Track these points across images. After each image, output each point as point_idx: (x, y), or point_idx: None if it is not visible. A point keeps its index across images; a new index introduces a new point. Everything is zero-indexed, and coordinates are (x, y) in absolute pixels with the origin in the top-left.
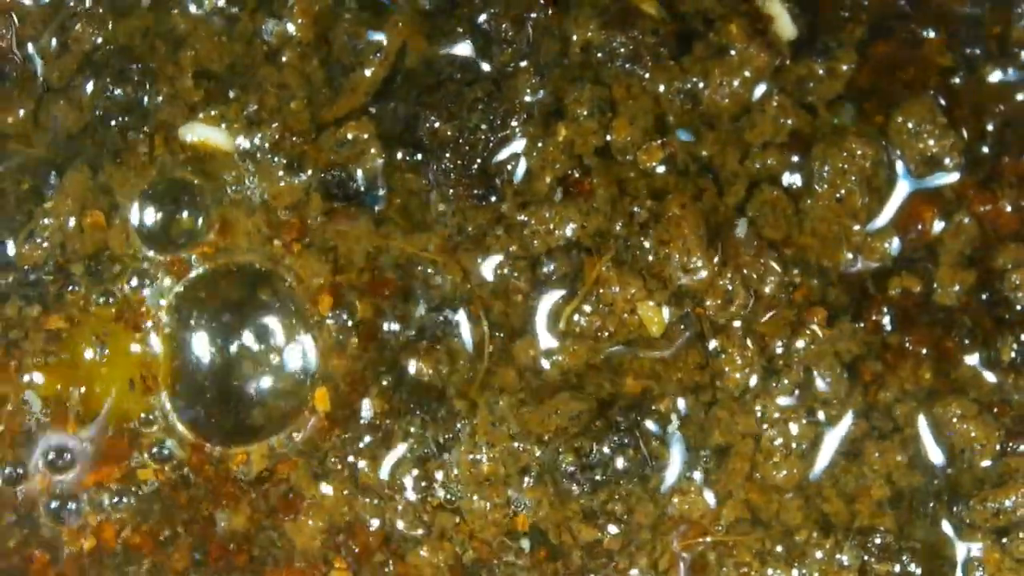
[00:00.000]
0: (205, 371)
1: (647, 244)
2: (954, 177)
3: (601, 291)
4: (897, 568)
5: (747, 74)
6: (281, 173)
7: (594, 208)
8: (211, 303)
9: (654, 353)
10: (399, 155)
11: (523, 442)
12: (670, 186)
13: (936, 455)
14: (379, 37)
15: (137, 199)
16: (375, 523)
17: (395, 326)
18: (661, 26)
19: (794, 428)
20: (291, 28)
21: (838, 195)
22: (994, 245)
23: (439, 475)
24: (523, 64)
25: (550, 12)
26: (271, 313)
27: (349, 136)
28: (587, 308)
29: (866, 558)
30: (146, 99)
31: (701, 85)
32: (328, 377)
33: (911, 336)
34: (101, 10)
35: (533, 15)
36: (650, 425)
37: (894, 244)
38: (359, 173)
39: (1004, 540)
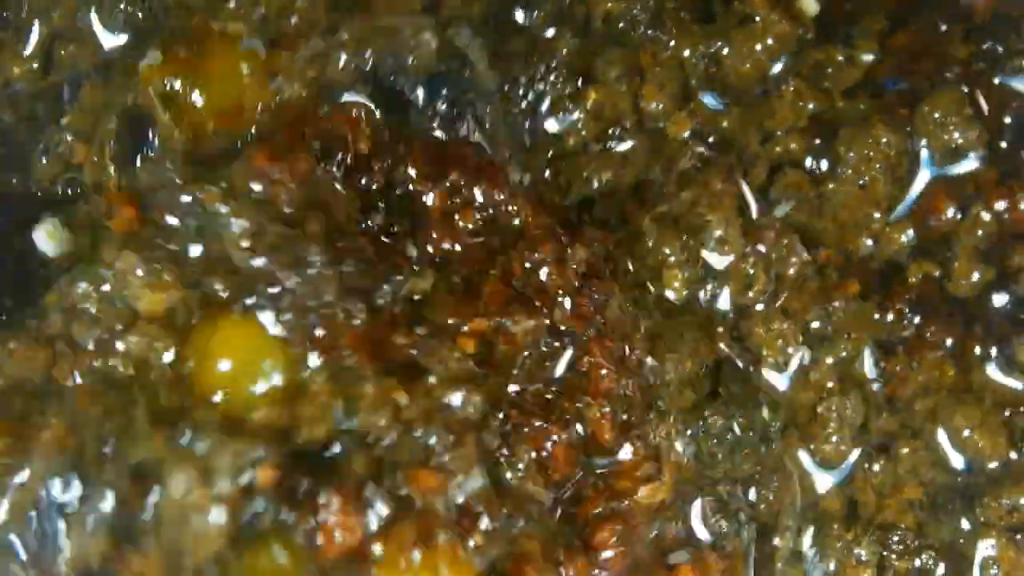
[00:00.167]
0: None
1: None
2: (975, 166)
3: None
4: (917, 564)
5: (770, 42)
6: None
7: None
8: None
9: None
10: None
11: None
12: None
13: (954, 455)
14: None
15: None
16: None
17: None
18: None
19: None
20: None
21: (861, 182)
22: (1011, 243)
23: None
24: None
25: None
26: None
27: None
28: None
29: (884, 553)
30: None
31: (726, 51)
32: None
33: (932, 328)
34: None
35: None
36: None
37: (911, 234)
38: None
39: (1019, 537)
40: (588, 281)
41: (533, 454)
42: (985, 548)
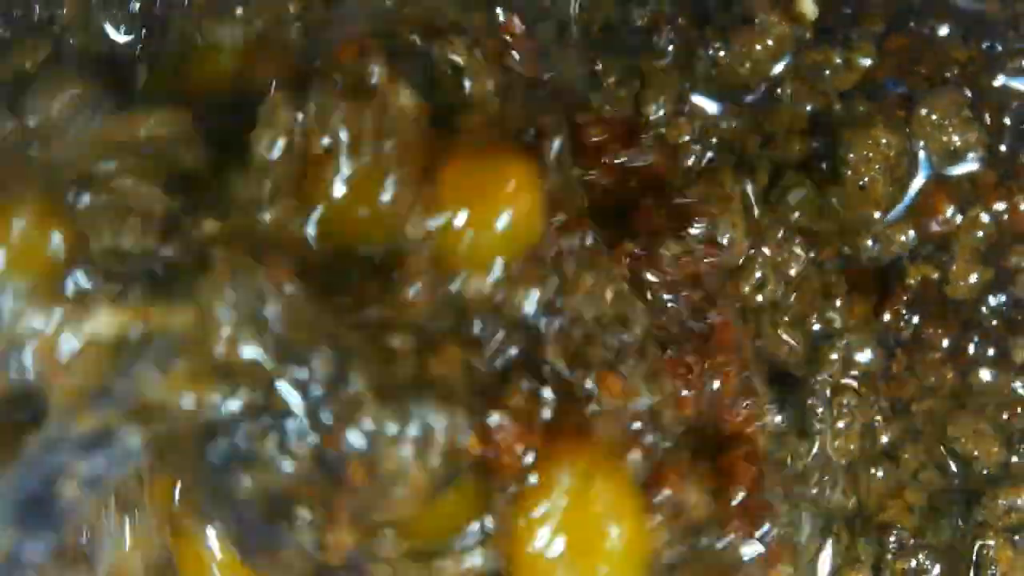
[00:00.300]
0: None
1: None
2: (974, 167)
3: None
4: (913, 564)
5: (770, 43)
6: None
7: None
8: None
9: None
10: None
11: None
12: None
13: (952, 456)
14: None
15: None
16: None
17: None
18: None
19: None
20: None
21: (861, 183)
22: (1008, 244)
23: None
24: None
25: None
26: None
27: None
28: None
29: (881, 554)
30: None
31: (723, 54)
32: None
33: (930, 329)
34: None
35: None
36: None
37: (911, 235)
38: None
39: (1016, 538)
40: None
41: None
42: (983, 548)
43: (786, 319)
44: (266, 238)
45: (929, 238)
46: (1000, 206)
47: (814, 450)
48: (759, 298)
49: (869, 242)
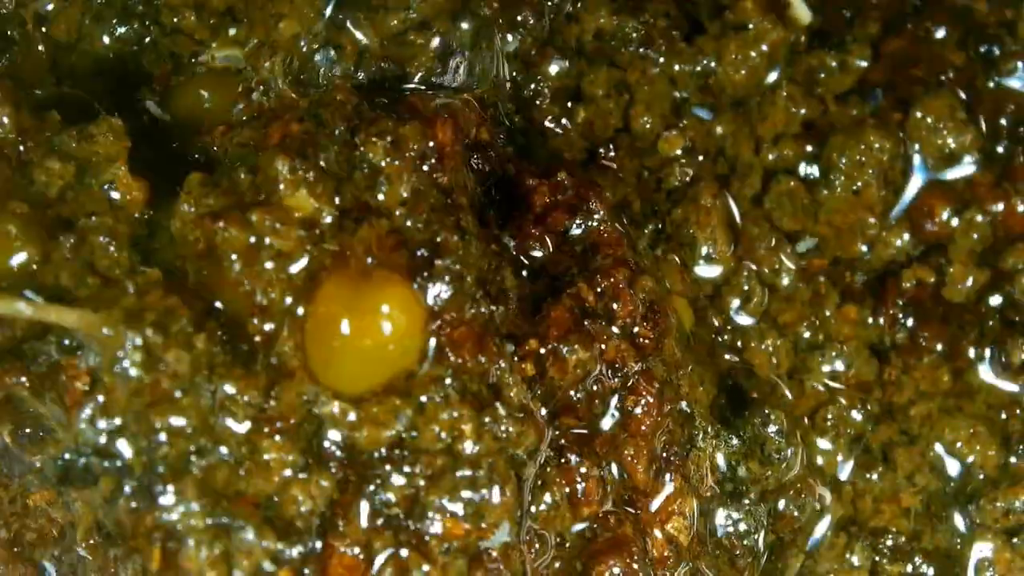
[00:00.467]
0: None
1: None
2: (969, 170)
3: None
4: (909, 568)
5: (764, 48)
6: None
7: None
8: None
9: None
10: None
11: None
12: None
13: (950, 460)
14: None
15: None
16: None
17: None
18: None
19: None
20: None
21: (855, 187)
22: (1004, 246)
23: None
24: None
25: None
26: None
27: None
28: None
29: (877, 559)
30: None
31: (713, 64)
32: None
33: (926, 332)
34: None
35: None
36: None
37: (906, 238)
38: None
39: (1014, 540)
40: (651, 313)
41: (566, 489)
42: (981, 550)
43: (773, 330)
44: None
45: (925, 240)
46: (996, 207)
47: (781, 474)
48: (743, 313)
49: (864, 247)
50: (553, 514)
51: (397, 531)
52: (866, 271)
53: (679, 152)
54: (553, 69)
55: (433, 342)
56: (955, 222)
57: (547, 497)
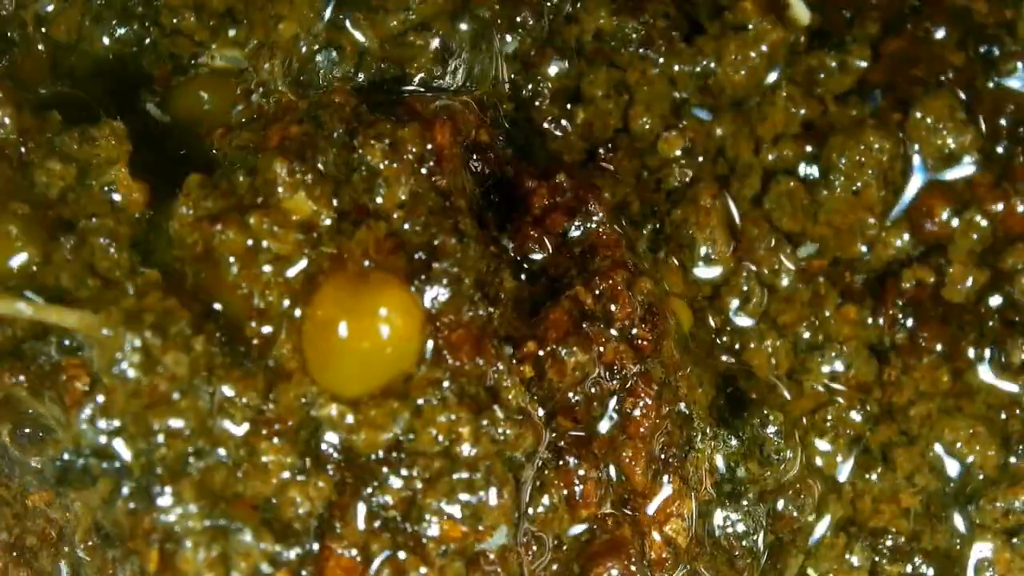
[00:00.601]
0: None
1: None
2: (969, 170)
3: None
4: (909, 569)
5: (763, 48)
6: None
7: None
8: None
9: None
10: None
11: None
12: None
13: (950, 461)
14: None
15: None
16: None
17: None
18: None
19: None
20: None
21: (855, 188)
22: (1004, 246)
23: None
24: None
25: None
26: None
27: None
28: None
29: (876, 559)
30: None
31: (713, 65)
32: None
33: (925, 333)
34: None
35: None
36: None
37: (906, 238)
38: None
39: (1014, 540)
40: (649, 315)
41: (564, 491)
42: (980, 550)
43: (773, 331)
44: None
45: (925, 241)
46: (996, 207)
47: (780, 475)
48: (742, 314)
49: (864, 247)
50: (551, 516)
51: (394, 533)
52: (866, 271)
53: (678, 153)
54: (552, 70)
55: (431, 344)
56: (955, 222)
57: (545, 499)
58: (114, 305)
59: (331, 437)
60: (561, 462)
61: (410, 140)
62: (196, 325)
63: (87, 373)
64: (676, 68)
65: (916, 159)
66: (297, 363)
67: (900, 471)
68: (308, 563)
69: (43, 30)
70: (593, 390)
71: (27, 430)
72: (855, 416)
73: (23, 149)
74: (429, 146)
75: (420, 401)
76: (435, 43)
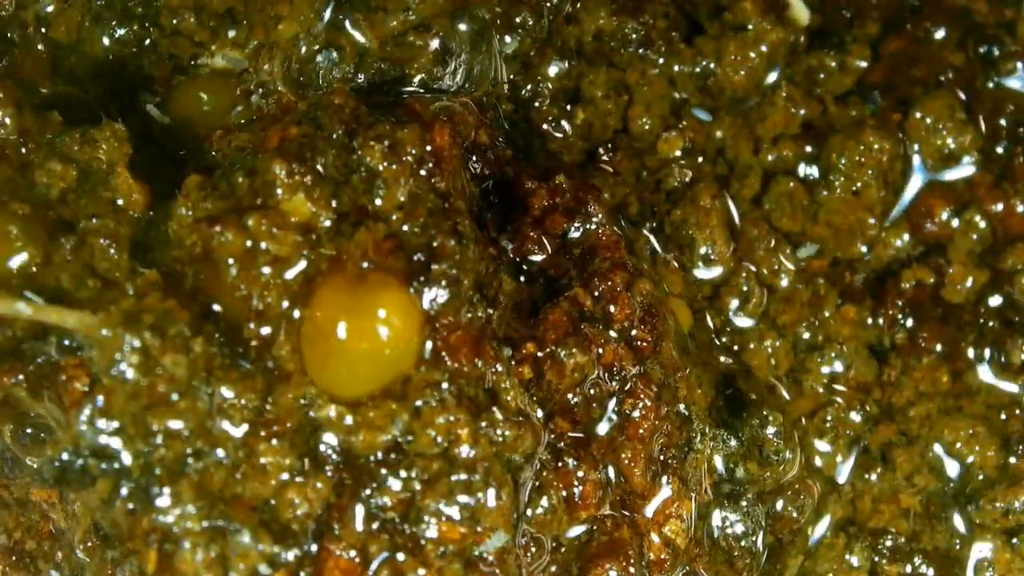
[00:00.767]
0: None
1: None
2: (969, 171)
3: None
4: (908, 569)
5: (763, 48)
6: None
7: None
8: None
9: None
10: None
11: None
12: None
13: (949, 461)
14: None
15: None
16: None
17: None
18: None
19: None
20: None
21: (854, 188)
22: (1004, 246)
23: None
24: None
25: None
26: None
27: None
28: None
29: (876, 559)
30: None
31: (712, 65)
32: None
33: (925, 333)
34: None
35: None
36: None
37: (906, 238)
38: None
39: (1014, 540)
40: (649, 316)
41: (563, 493)
42: (980, 550)
43: (773, 331)
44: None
45: (925, 241)
46: (996, 208)
47: (780, 476)
48: (742, 314)
49: (864, 247)
50: (550, 517)
51: (393, 535)
52: (866, 271)
53: (678, 153)
54: (552, 70)
55: (429, 346)
56: (955, 222)
57: (544, 500)
58: (113, 306)
59: (330, 438)
60: (560, 463)
61: (409, 142)
62: (195, 326)
63: (87, 373)
64: (676, 68)
65: (916, 159)
66: (296, 364)
67: (900, 471)
68: (306, 564)
69: (43, 30)
70: (592, 391)
71: (28, 430)
72: (855, 416)
73: (24, 150)
74: (428, 148)
75: (419, 402)
76: (435, 43)
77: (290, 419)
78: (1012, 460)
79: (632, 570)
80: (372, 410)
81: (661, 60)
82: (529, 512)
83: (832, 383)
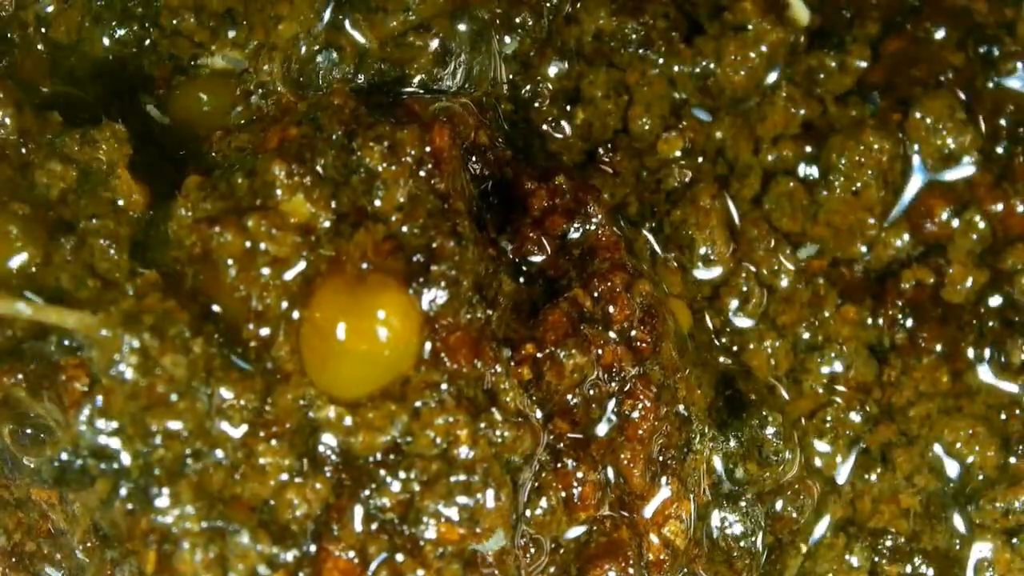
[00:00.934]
0: None
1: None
2: (969, 171)
3: None
4: (908, 569)
5: (763, 48)
6: None
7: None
8: None
9: None
10: None
11: None
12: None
13: (949, 461)
14: None
15: None
16: None
17: None
18: (671, 9)
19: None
20: None
21: (854, 188)
22: (1004, 246)
23: None
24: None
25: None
26: None
27: None
28: None
29: (876, 559)
30: None
31: (712, 65)
32: None
33: (925, 333)
34: None
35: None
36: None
37: (906, 238)
38: None
39: (1014, 540)
40: (648, 316)
41: (562, 493)
42: (980, 551)
43: (772, 332)
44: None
45: (925, 241)
46: (996, 208)
47: (779, 476)
48: (742, 315)
49: (863, 247)
50: (549, 518)
51: (392, 535)
52: (866, 272)
53: (678, 153)
54: (552, 70)
55: (429, 347)
56: (955, 222)
57: (543, 501)
58: (113, 306)
59: (329, 439)
60: (559, 464)
61: (409, 143)
62: (195, 327)
63: (86, 374)
64: (676, 68)
65: (916, 159)
66: (295, 365)
67: (900, 471)
68: (305, 565)
69: (43, 31)
70: (591, 392)
71: (28, 431)
72: (854, 417)
73: (24, 150)
74: (428, 149)
75: (418, 403)
76: (434, 44)
77: (289, 420)
78: (1012, 460)
79: (631, 571)
80: (371, 411)
81: (661, 60)
82: (528, 513)
83: (832, 383)
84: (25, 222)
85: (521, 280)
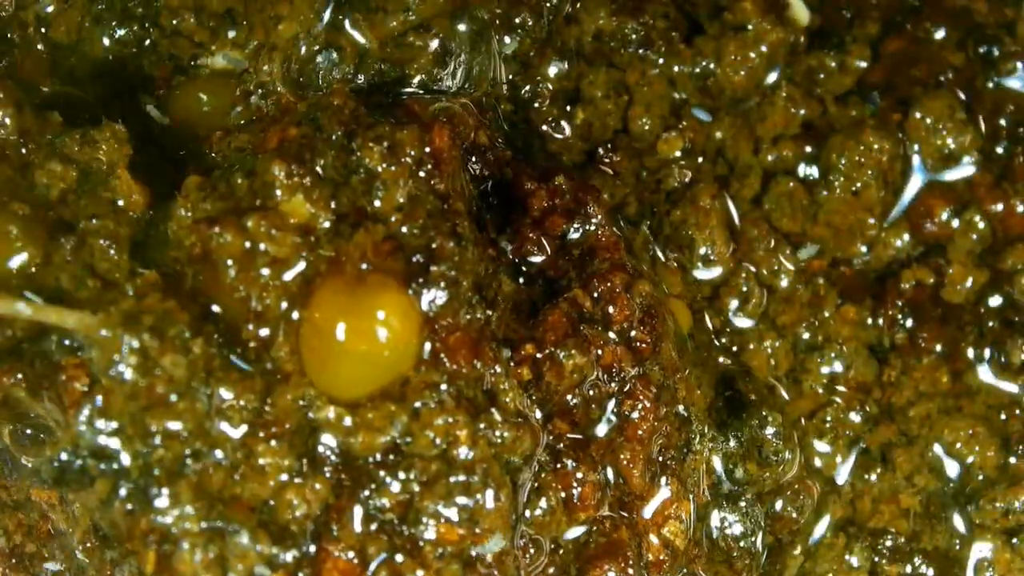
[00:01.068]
0: None
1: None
2: (969, 171)
3: None
4: (908, 569)
5: (763, 48)
6: None
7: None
8: None
9: None
10: None
11: None
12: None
13: (949, 461)
14: None
15: None
16: None
17: None
18: (671, 9)
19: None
20: None
21: (854, 188)
22: (1004, 246)
23: None
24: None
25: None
26: None
27: None
28: None
29: (876, 559)
30: None
31: (712, 65)
32: None
33: (925, 333)
34: None
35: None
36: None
37: (906, 239)
38: None
39: (1014, 540)
40: (648, 317)
41: (562, 494)
42: (980, 551)
43: (772, 332)
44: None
45: (925, 241)
46: (996, 208)
47: (779, 476)
48: (742, 315)
49: (863, 248)
50: (548, 519)
51: (391, 536)
52: (865, 272)
53: (678, 153)
54: (552, 71)
55: (428, 347)
56: (955, 223)
57: (543, 502)
58: (113, 306)
59: (328, 440)
60: (559, 465)
61: (408, 143)
62: (194, 327)
63: (86, 374)
64: (676, 69)
65: (916, 159)
66: (295, 366)
67: (900, 471)
68: (305, 565)
69: (43, 31)
70: (591, 393)
71: (28, 431)
72: (854, 417)
73: (24, 150)
74: (427, 149)
75: (417, 404)
76: (434, 44)
77: (289, 420)
78: (1012, 460)
79: (631, 571)
80: (371, 411)
81: (661, 60)
82: (528, 513)
83: (832, 383)
84: (25, 222)
85: (521, 280)
